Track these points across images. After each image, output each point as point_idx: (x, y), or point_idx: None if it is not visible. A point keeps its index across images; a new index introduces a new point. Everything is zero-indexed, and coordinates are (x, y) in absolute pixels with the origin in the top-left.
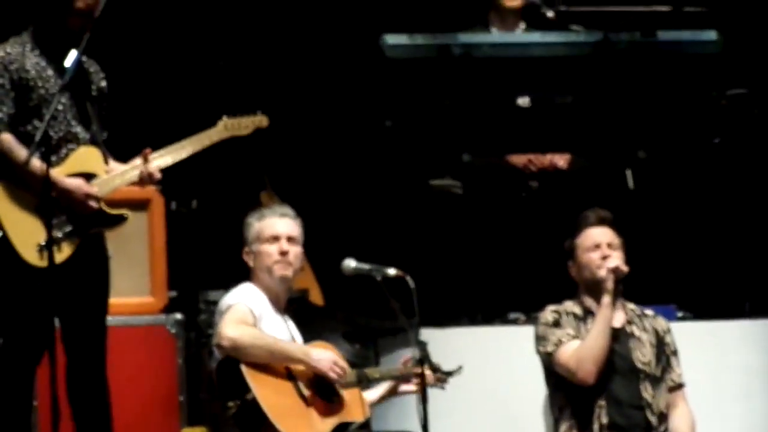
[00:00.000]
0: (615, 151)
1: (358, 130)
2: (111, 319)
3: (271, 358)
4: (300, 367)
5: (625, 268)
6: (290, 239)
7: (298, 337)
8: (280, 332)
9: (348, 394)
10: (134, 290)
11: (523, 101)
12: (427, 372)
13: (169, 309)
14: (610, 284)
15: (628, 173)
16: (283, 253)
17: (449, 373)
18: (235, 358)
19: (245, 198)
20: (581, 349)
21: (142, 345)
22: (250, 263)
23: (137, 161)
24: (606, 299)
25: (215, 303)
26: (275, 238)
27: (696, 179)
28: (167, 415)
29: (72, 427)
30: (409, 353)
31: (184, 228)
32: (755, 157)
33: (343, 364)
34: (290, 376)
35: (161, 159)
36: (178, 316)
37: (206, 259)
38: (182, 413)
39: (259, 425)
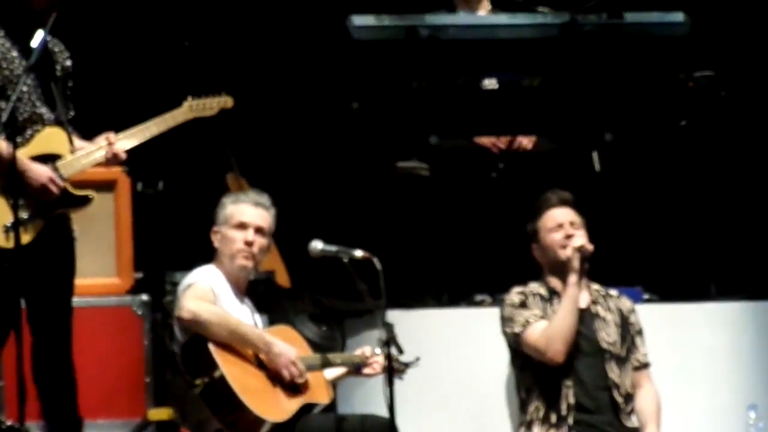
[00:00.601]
0: (582, 134)
1: (325, 112)
2: (77, 300)
3: (230, 339)
4: None
5: (590, 247)
6: (258, 230)
7: (259, 322)
8: (240, 315)
9: (312, 377)
10: (100, 271)
11: (490, 83)
12: (381, 360)
13: (135, 290)
14: (576, 263)
15: (595, 155)
16: (248, 243)
17: (407, 365)
18: (196, 332)
19: (212, 180)
20: (550, 328)
21: (108, 326)
22: (216, 243)
23: (102, 141)
24: (573, 278)
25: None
26: (243, 226)
27: (663, 162)
28: (133, 396)
29: (38, 407)
30: (375, 335)
31: (151, 209)
32: (722, 140)
33: (301, 367)
34: (257, 356)
35: (126, 140)
36: (144, 297)
37: (172, 240)
38: (148, 394)
39: (227, 403)
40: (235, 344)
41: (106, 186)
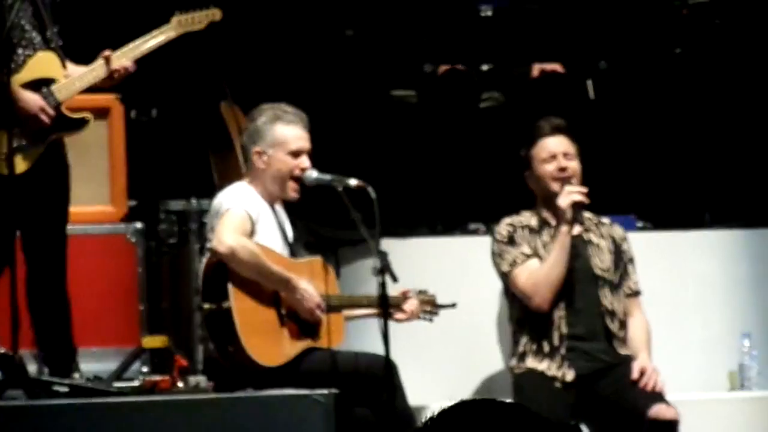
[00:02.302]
0: (576, 61)
1: (318, 39)
2: (71, 228)
3: (257, 278)
4: None
5: (585, 200)
6: (309, 154)
7: (289, 230)
8: (274, 236)
9: (328, 319)
10: (94, 199)
11: (486, 10)
12: (415, 304)
13: (129, 218)
14: (569, 215)
15: (589, 83)
16: (303, 170)
17: (442, 306)
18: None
19: (205, 107)
20: (537, 275)
21: (102, 254)
22: (260, 164)
23: (99, 62)
24: (565, 228)
25: (175, 212)
26: (298, 153)
27: (657, 90)
28: (127, 324)
29: (31, 336)
30: (369, 264)
31: (144, 137)
32: (716, 68)
33: (319, 314)
34: (275, 293)
35: (117, 61)
36: (138, 224)
37: (166, 168)
38: (142, 322)
39: (227, 334)
40: (263, 282)
41: (100, 113)
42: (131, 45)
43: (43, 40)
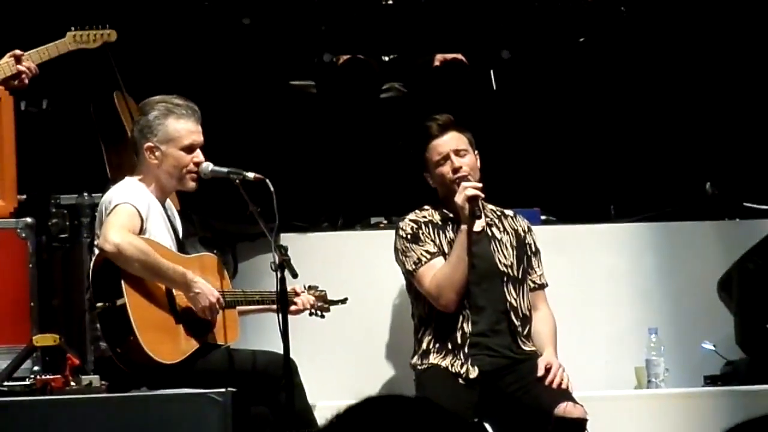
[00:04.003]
0: (479, 51)
1: (214, 27)
2: None
3: (149, 276)
4: None
5: (481, 194)
6: (201, 148)
7: (179, 226)
8: (164, 232)
9: (223, 315)
10: None
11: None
12: (308, 297)
13: (19, 213)
14: (467, 212)
15: (492, 74)
16: (197, 164)
17: (334, 302)
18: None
19: (97, 98)
20: (441, 277)
21: None
22: (152, 160)
23: (4, 61)
24: (463, 227)
25: (67, 207)
26: (192, 148)
27: (562, 80)
28: (18, 321)
29: None
30: (268, 258)
31: (35, 129)
32: (621, 58)
33: (218, 309)
34: (169, 290)
35: (27, 61)
36: (29, 219)
37: (58, 161)
38: (33, 319)
39: (123, 332)
40: (153, 280)
41: None
42: (30, 52)
43: None
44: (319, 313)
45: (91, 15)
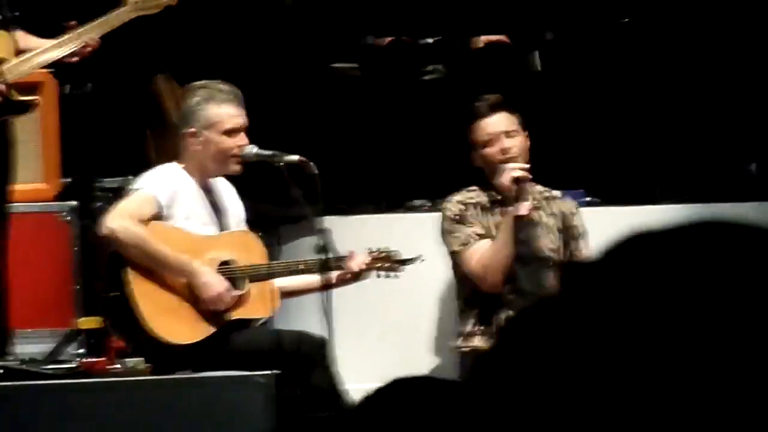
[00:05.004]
0: (522, 33)
1: (257, 9)
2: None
3: (148, 263)
4: None
5: (528, 176)
6: (246, 130)
7: (231, 206)
8: (199, 214)
9: (255, 288)
10: (26, 176)
11: None
12: (363, 257)
13: (62, 196)
14: (513, 193)
15: (535, 55)
16: (241, 147)
17: (405, 261)
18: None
19: (141, 81)
20: (486, 258)
21: (35, 233)
22: (195, 146)
23: (66, 36)
24: (510, 208)
25: (110, 190)
26: (234, 131)
27: (605, 61)
28: (61, 305)
29: None
30: (311, 241)
31: (79, 112)
32: (665, 39)
33: (228, 299)
34: None
35: (88, 35)
36: (73, 203)
37: (101, 145)
38: (77, 303)
39: (131, 319)
40: (155, 268)
41: (32, 89)
42: (86, 27)
43: None
44: (391, 274)
45: None
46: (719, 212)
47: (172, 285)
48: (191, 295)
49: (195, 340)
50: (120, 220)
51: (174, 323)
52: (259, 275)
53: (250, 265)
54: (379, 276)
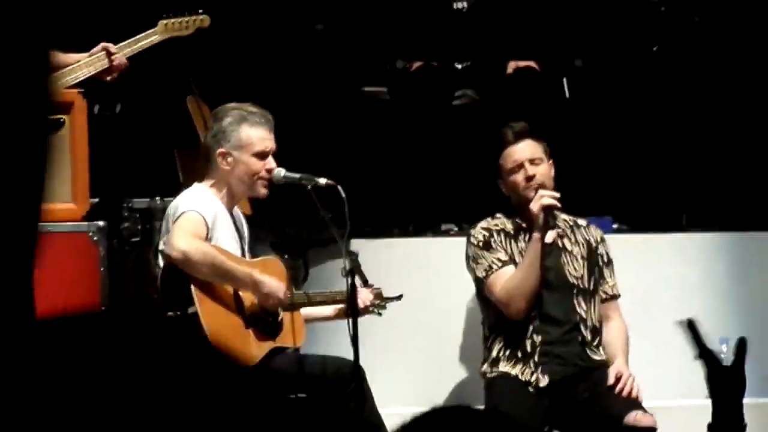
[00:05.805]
0: (552, 59)
1: (288, 34)
2: None
3: (217, 279)
4: None
5: (557, 204)
6: (273, 154)
7: (247, 234)
8: (231, 240)
9: (289, 318)
10: (55, 196)
11: (461, 4)
12: (367, 295)
13: (91, 216)
14: (541, 220)
15: (564, 82)
16: (269, 171)
17: (389, 299)
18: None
19: (171, 102)
20: (511, 285)
21: (63, 252)
22: (224, 166)
23: (97, 55)
24: (537, 235)
25: (139, 210)
26: (264, 155)
27: (634, 89)
28: None
29: None
30: (339, 264)
31: (108, 133)
32: (694, 67)
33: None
34: (237, 294)
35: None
36: (101, 223)
37: (130, 165)
38: None
39: (194, 341)
40: (222, 283)
41: (62, 108)
42: (122, 44)
43: None
44: (376, 311)
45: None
46: (746, 241)
47: (229, 306)
48: (243, 317)
49: (257, 361)
50: (188, 240)
51: (233, 348)
52: (297, 304)
53: (295, 292)
54: (371, 312)
